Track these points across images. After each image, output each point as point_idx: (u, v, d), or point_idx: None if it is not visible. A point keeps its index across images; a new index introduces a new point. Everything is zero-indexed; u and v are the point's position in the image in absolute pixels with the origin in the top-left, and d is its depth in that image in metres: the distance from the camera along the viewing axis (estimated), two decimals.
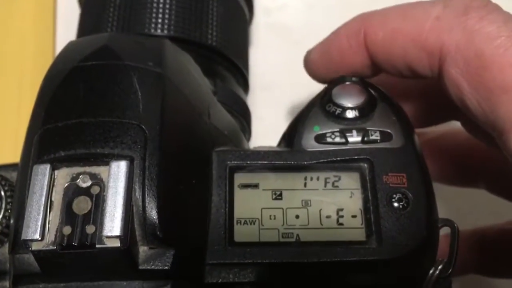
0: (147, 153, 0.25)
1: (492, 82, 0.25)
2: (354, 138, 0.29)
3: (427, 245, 0.27)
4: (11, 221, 0.25)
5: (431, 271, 0.27)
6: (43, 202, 0.23)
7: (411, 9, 0.29)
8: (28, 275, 0.24)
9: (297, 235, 0.27)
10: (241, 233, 0.27)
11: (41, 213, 0.23)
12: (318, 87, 0.32)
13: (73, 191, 0.24)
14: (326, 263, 0.26)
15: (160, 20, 0.34)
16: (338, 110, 0.29)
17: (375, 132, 0.29)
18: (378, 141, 0.29)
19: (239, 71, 0.37)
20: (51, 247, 0.23)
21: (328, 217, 0.27)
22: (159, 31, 0.34)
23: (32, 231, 0.23)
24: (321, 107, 0.30)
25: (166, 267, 0.24)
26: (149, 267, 0.24)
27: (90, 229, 0.23)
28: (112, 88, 0.26)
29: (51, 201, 0.24)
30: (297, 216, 0.27)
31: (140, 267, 0.24)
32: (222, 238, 0.26)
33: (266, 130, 0.37)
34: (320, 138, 0.29)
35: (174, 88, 0.27)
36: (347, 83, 0.30)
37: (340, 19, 0.32)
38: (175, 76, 0.28)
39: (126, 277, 0.24)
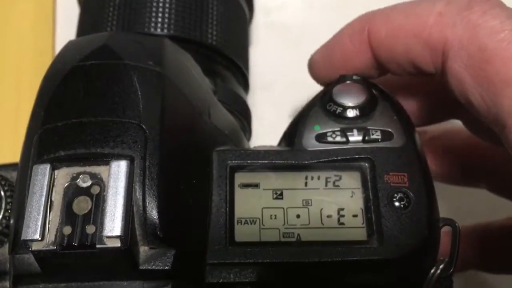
0: (148, 152, 0.25)
1: (495, 76, 0.25)
2: (355, 137, 0.29)
3: (428, 244, 0.27)
4: (11, 221, 0.25)
5: (432, 271, 0.27)
6: (43, 202, 0.23)
7: (414, 6, 0.29)
8: (28, 275, 0.24)
9: (298, 234, 0.27)
10: (242, 233, 0.27)
11: (41, 213, 0.23)
12: (319, 87, 0.32)
13: (73, 191, 0.24)
14: (327, 263, 0.26)
15: (160, 19, 0.34)
16: (339, 109, 0.29)
17: (376, 131, 0.29)
18: (379, 140, 0.29)
19: (239, 70, 0.37)
20: (51, 247, 0.23)
21: (329, 216, 0.27)
22: (159, 30, 0.34)
23: (32, 231, 0.23)
24: (322, 106, 0.30)
25: (166, 267, 0.24)
26: (149, 267, 0.24)
27: (90, 229, 0.23)
28: (112, 88, 0.26)
29: (51, 201, 0.24)
30: (298, 216, 0.27)
31: (141, 267, 0.24)
32: (223, 238, 0.26)
33: (266, 130, 0.37)
34: (320, 138, 0.29)
35: (174, 88, 0.27)
36: (348, 82, 0.30)
37: (340, 19, 0.32)
38: (175, 75, 0.28)
39: (126, 277, 0.24)
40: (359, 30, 0.30)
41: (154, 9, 0.34)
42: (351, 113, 0.29)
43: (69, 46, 0.29)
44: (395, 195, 0.27)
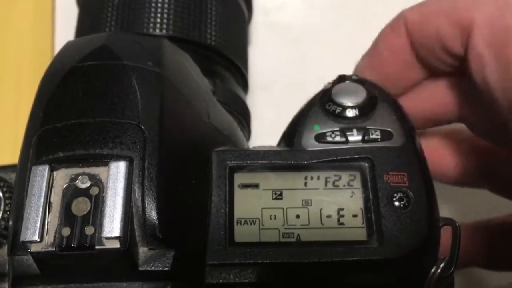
0: (146, 153, 0.25)
1: None
2: (355, 137, 0.29)
3: (428, 244, 0.27)
4: (10, 223, 0.25)
5: (432, 270, 0.27)
6: (42, 204, 0.23)
7: None
8: (27, 277, 0.24)
9: (298, 235, 0.27)
10: (242, 233, 0.27)
11: (40, 214, 0.23)
12: (318, 87, 0.32)
13: (72, 192, 0.24)
14: (327, 263, 0.26)
15: (158, 20, 0.34)
16: (338, 109, 0.29)
17: (376, 131, 0.29)
18: (379, 140, 0.28)
19: (238, 71, 0.37)
20: (50, 249, 0.23)
21: (328, 216, 0.27)
22: (157, 30, 0.34)
23: (31, 232, 0.23)
24: (321, 106, 0.30)
25: (166, 268, 0.24)
26: (149, 268, 0.24)
27: (89, 230, 0.23)
28: (110, 88, 0.26)
29: (50, 202, 0.24)
30: (298, 216, 0.27)
31: (140, 268, 0.24)
32: (223, 239, 0.26)
33: (266, 130, 0.37)
34: (320, 137, 0.29)
35: (173, 88, 0.27)
36: (347, 81, 0.30)
37: (340, 19, 0.32)
38: (174, 76, 0.28)
39: (126, 278, 0.24)
40: (397, 22, 0.31)
41: (153, 9, 0.34)
42: (350, 113, 0.29)
43: (68, 47, 0.29)
44: (395, 194, 0.27)
